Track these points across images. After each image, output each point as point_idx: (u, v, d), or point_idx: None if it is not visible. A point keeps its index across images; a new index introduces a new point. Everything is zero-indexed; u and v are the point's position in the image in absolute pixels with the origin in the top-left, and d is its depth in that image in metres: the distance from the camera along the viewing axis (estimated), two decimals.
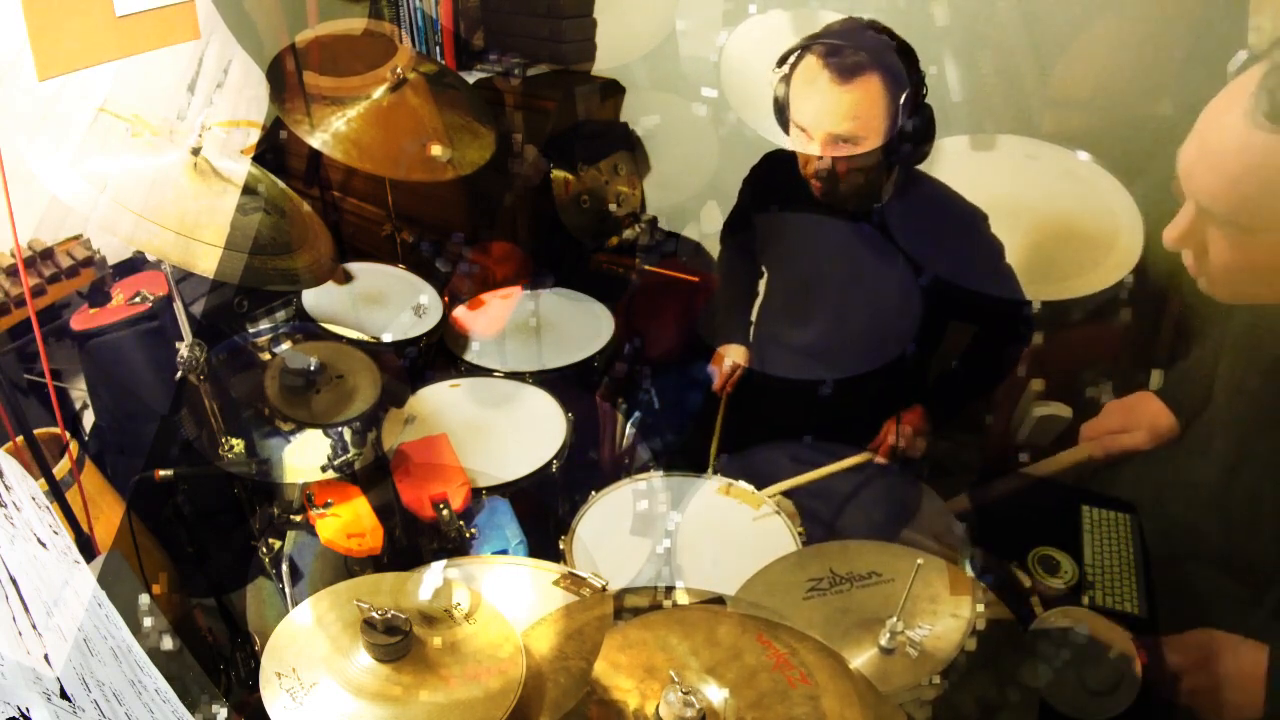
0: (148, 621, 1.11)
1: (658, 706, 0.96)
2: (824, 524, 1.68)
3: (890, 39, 1.51)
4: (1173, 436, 1.51)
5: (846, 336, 1.79)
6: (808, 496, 1.70)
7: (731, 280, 2.07)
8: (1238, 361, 1.36)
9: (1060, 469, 1.67)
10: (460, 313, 2.28)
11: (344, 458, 1.61)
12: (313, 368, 1.62)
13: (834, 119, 1.50)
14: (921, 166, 1.68)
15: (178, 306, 1.46)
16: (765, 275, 1.98)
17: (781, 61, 1.58)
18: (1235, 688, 1.20)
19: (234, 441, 1.55)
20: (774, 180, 1.86)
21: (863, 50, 1.46)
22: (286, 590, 1.52)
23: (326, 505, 1.53)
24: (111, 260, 2.23)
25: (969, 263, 1.67)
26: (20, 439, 1.35)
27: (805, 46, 1.53)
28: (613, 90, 2.77)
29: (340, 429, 1.62)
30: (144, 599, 1.17)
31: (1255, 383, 1.30)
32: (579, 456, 1.88)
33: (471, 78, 2.74)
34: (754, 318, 2.04)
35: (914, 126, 1.51)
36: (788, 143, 1.67)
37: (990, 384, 1.86)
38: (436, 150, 2.06)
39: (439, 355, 2.16)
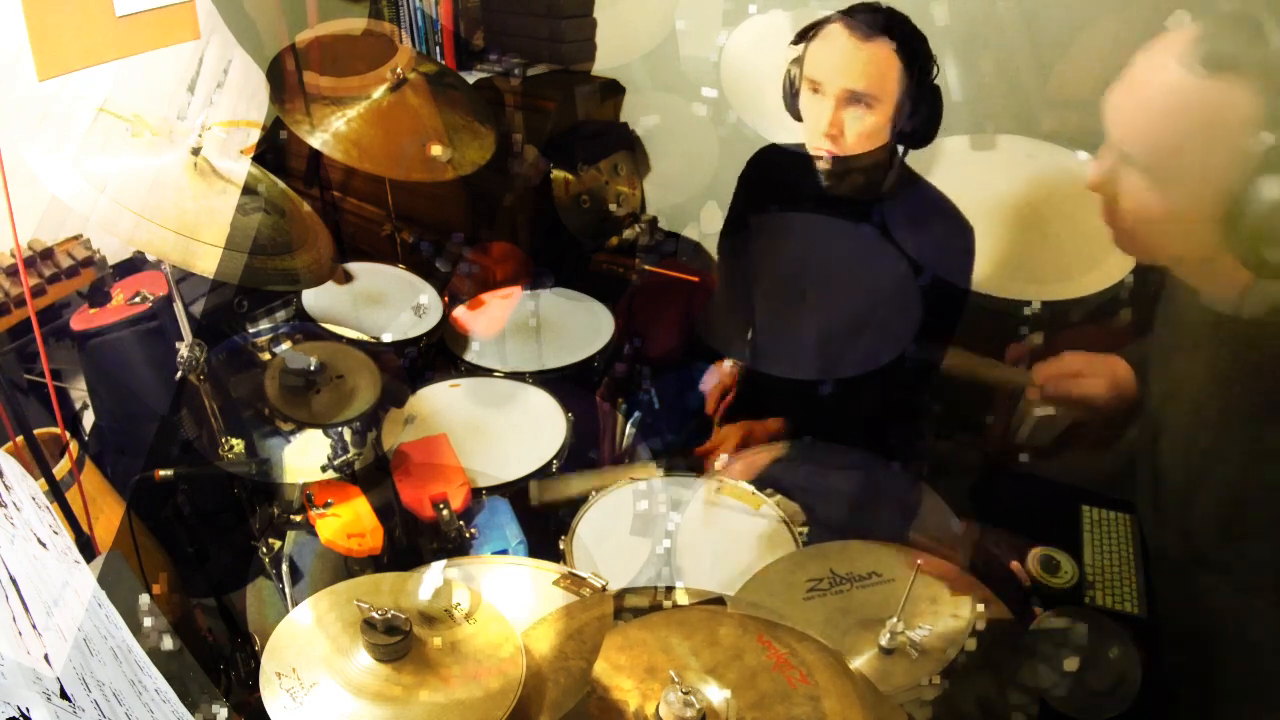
0: (148, 621, 1.11)
1: (658, 707, 0.96)
2: (824, 524, 1.68)
3: (908, 21, 1.54)
4: (1132, 398, 1.45)
5: (839, 336, 1.78)
6: (808, 497, 1.70)
7: (729, 284, 2.07)
8: (1226, 358, 1.35)
9: (985, 374, 1.63)
10: (460, 313, 2.28)
11: (344, 458, 1.61)
12: (313, 368, 1.62)
13: (850, 75, 1.50)
14: (923, 167, 1.68)
15: (178, 306, 1.46)
16: (760, 275, 1.98)
17: (799, 38, 1.59)
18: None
19: (234, 441, 1.55)
20: (766, 178, 1.86)
21: (885, 20, 1.51)
22: (286, 590, 1.52)
23: (326, 505, 1.53)
24: (111, 260, 2.23)
25: (946, 270, 1.66)
26: (20, 439, 1.35)
27: (825, 19, 1.56)
28: (613, 90, 2.77)
29: (340, 429, 1.62)
30: (144, 599, 1.17)
31: (1243, 380, 1.29)
32: (579, 456, 1.88)
33: (471, 78, 2.74)
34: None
35: (923, 104, 1.53)
36: (790, 136, 1.67)
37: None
38: (436, 150, 2.05)
39: (439, 355, 2.16)
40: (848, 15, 1.52)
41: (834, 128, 1.55)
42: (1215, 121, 0.99)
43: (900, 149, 1.66)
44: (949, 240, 1.67)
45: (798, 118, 1.64)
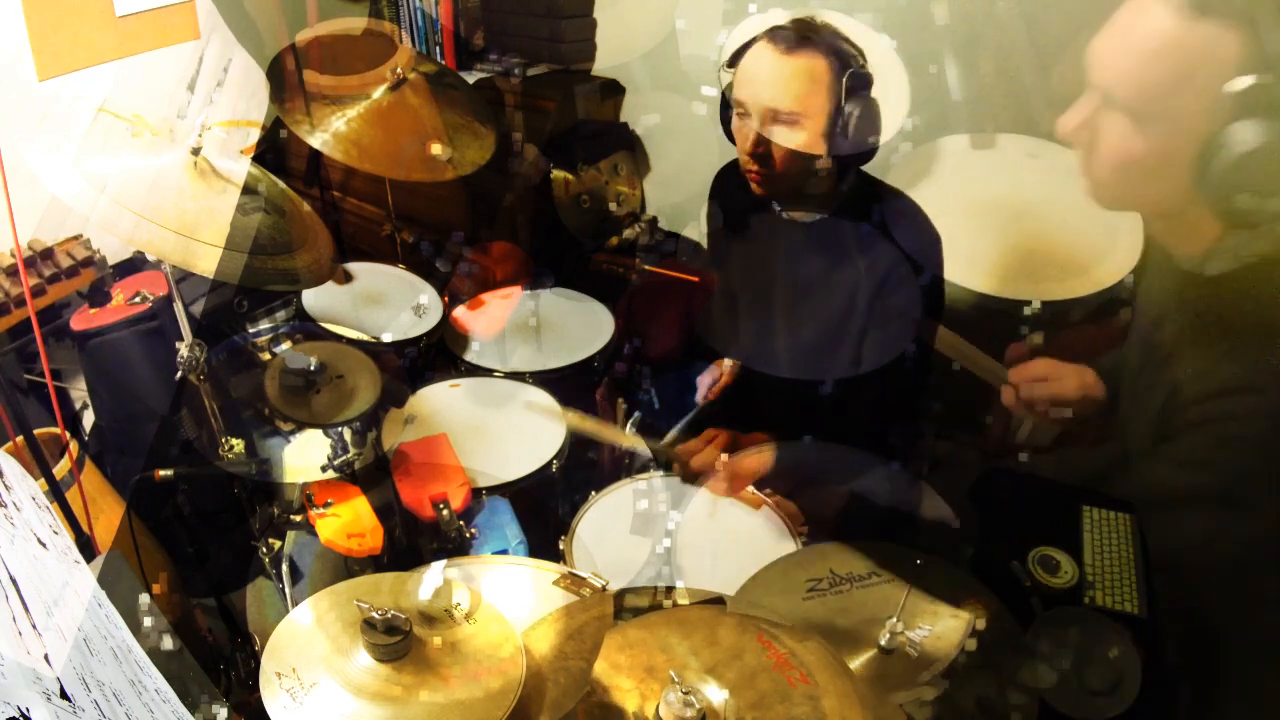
0: (148, 621, 1.11)
1: (658, 707, 0.96)
2: (824, 524, 1.68)
3: (839, 33, 1.49)
4: (1099, 399, 1.46)
5: (818, 343, 1.76)
6: (808, 497, 1.70)
7: (722, 287, 2.08)
8: (1222, 365, 1.35)
9: (970, 359, 1.61)
10: (460, 313, 2.28)
11: (344, 458, 1.61)
12: (313, 368, 1.62)
13: (773, 91, 1.46)
14: (923, 166, 1.67)
15: (178, 306, 1.46)
16: (739, 284, 1.97)
17: (731, 62, 1.55)
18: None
19: (234, 441, 1.55)
20: (730, 188, 1.84)
21: (810, 32, 1.46)
22: (286, 590, 1.52)
23: (326, 505, 1.53)
24: (111, 260, 2.23)
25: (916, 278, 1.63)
26: (20, 439, 1.35)
27: (752, 39, 1.52)
28: (613, 90, 2.77)
29: (340, 429, 1.62)
30: (144, 599, 1.17)
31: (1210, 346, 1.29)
32: (579, 456, 1.88)
33: (471, 78, 2.74)
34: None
35: (858, 118, 1.46)
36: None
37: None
38: (436, 150, 2.05)
39: (439, 355, 2.16)
40: (774, 30, 1.47)
41: (758, 147, 1.50)
42: (1198, 64, 1.02)
43: (842, 164, 1.59)
44: (916, 247, 1.63)
45: (732, 141, 1.61)
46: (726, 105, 1.58)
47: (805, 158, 1.50)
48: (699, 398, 1.94)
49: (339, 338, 2.00)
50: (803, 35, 1.44)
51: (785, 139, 1.47)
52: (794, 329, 1.79)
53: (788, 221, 1.69)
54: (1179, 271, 1.25)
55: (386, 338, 2.06)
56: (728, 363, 1.98)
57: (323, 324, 2.05)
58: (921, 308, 1.62)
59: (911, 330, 1.64)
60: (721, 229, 1.94)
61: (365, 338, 2.04)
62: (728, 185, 1.85)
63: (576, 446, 1.86)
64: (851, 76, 1.45)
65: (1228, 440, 1.21)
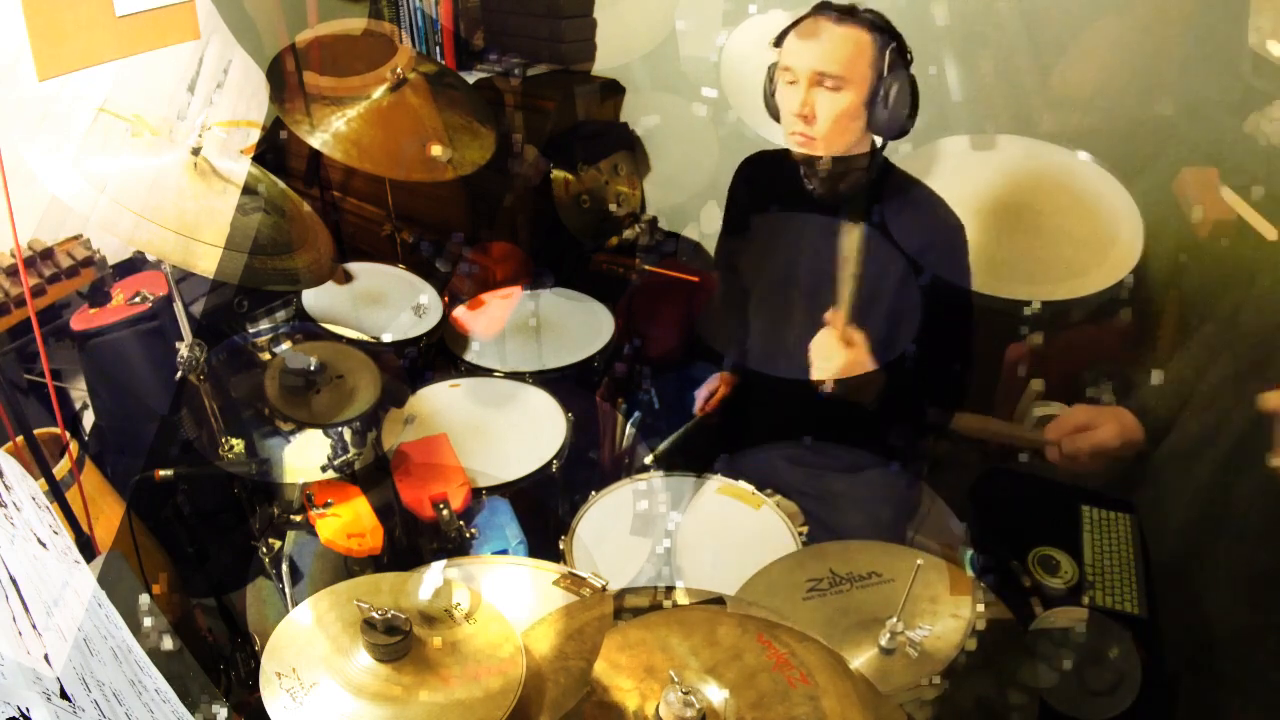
0: (148, 621, 1.11)
1: (658, 706, 0.96)
2: (824, 524, 1.68)
3: (883, 15, 1.57)
4: (1139, 442, 1.48)
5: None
6: (807, 497, 1.70)
7: (727, 288, 2.07)
8: (1235, 362, 1.36)
9: (1000, 433, 1.65)
10: (460, 313, 2.28)
11: (344, 458, 1.61)
12: (313, 368, 1.62)
13: (820, 57, 1.53)
14: (924, 166, 1.67)
15: (178, 306, 1.46)
16: (754, 280, 1.98)
17: (778, 41, 1.61)
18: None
19: (234, 441, 1.55)
20: (754, 181, 1.86)
21: (858, 11, 1.54)
22: (286, 590, 1.52)
23: (326, 505, 1.53)
24: (111, 260, 2.23)
25: (941, 268, 1.65)
26: (20, 439, 1.35)
27: (801, 16, 1.59)
28: (613, 90, 2.77)
29: (340, 429, 1.62)
30: (144, 599, 1.18)
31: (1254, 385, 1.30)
32: (579, 456, 1.88)
33: (471, 78, 2.74)
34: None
35: (897, 90, 1.54)
36: (778, 137, 1.67)
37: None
38: (436, 150, 2.05)
39: (439, 355, 2.16)
40: (821, 6, 1.57)
41: (805, 107, 1.56)
42: None
43: (879, 142, 1.66)
44: (939, 237, 1.66)
45: (776, 117, 1.66)
46: (771, 81, 1.65)
47: (846, 122, 1.57)
48: (696, 409, 1.95)
49: (339, 338, 2.00)
50: (849, 11, 1.54)
51: (829, 102, 1.55)
52: (814, 319, 1.79)
53: (814, 203, 1.71)
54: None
55: (386, 338, 2.05)
56: (726, 375, 1.98)
57: (323, 324, 2.05)
58: (949, 297, 1.64)
59: (919, 322, 1.65)
60: (739, 221, 1.94)
61: (365, 338, 2.04)
62: (751, 182, 1.87)
63: (576, 446, 1.86)
64: (894, 51, 1.54)
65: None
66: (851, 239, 1.64)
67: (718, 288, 2.13)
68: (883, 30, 1.54)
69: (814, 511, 1.68)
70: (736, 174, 1.91)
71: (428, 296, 2.25)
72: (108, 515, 1.70)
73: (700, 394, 1.98)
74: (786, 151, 1.70)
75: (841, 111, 1.55)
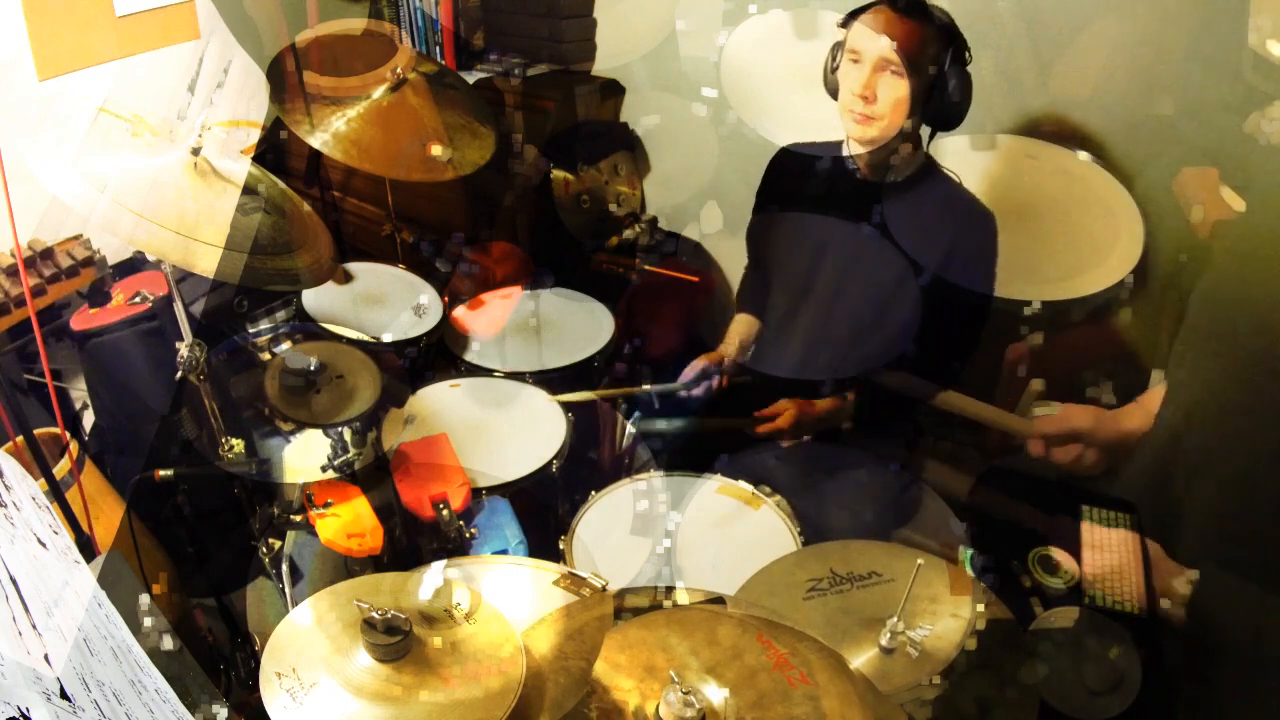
0: (148, 621, 1.10)
1: (658, 706, 0.96)
2: (811, 523, 1.68)
3: (948, 14, 1.66)
4: (1129, 447, 1.50)
5: (840, 337, 1.80)
6: (796, 496, 1.70)
7: (749, 281, 2.11)
8: (1237, 362, 1.35)
9: (987, 417, 1.68)
10: (460, 313, 2.28)
11: (344, 458, 1.60)
12: (313, 368, 1.62)
13: (890, 44, 1.62)
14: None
15: (178, 306, 1.46)
16: (775, 274, 1.99)
17: (845, 22, 1.69)
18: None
19: (234, 441, 1.54)
20: (778, 179, 1.91)
21: (919, 4, 1.64)
22: (286, 590, 1.52)
23: (326, 505, 1.53)
24: (111, 260, 2.23)
25: (968, 264, 1.70)
26: (20, 439, 1.35)
27: (871, 3, 1.68)
28: (613, 90, 2.77)
29: (340, 429, 1.61)
30: (144, 599, 1.17)
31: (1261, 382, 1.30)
32: (579, 456, 1.88)
33: (471, 78, 2.74)
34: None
35: (954, 84, 1.63)
36: (792, 135, 1.73)
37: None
38: (436, 150, 2.05)
39: (439, 355, 2.16)
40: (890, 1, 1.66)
41: (867, 89, 1.64)
42: None
43: (924, 135, 1.73)
44: (970, 234, 1.73)
45: (833, 93, 1.74)
46: (834, 59, 1.73)
47: (902, 108, 1.65)
48: (683, 380, 1.96)
49: (339, 338, 2.00)
50: (916, 4, 1.64)
51: (891, 87, 1.63)
52: (836, 314, 1.83)
53: (846, 202, 1.77)
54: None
55: (386, 338, 2.05)
56: (725, 357, 1.98)
57: (323, 324, 2.05)
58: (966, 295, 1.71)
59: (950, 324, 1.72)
60: (765, 213, 1.97)
61: (365, 338, 2.04)
62: (781, 175, 1.94)
63: (576, 446, 1.86)
64: (955, 49, 1.63)
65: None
66: (870, 245, 1.68)
67: (741, 283, 2.16)
68: (945, 27, 1.64)
69: (801, 510, 1.68)
70: (767, 169, 1.96)
71: (428, 296, 2.25)
72: (108, 515, 1.70)
73: (695, 366, 1.97)
74: (826, 147, 1.80)
75: (900, 98, 1.63)
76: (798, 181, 1.85)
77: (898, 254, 1.71)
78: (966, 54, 1.65)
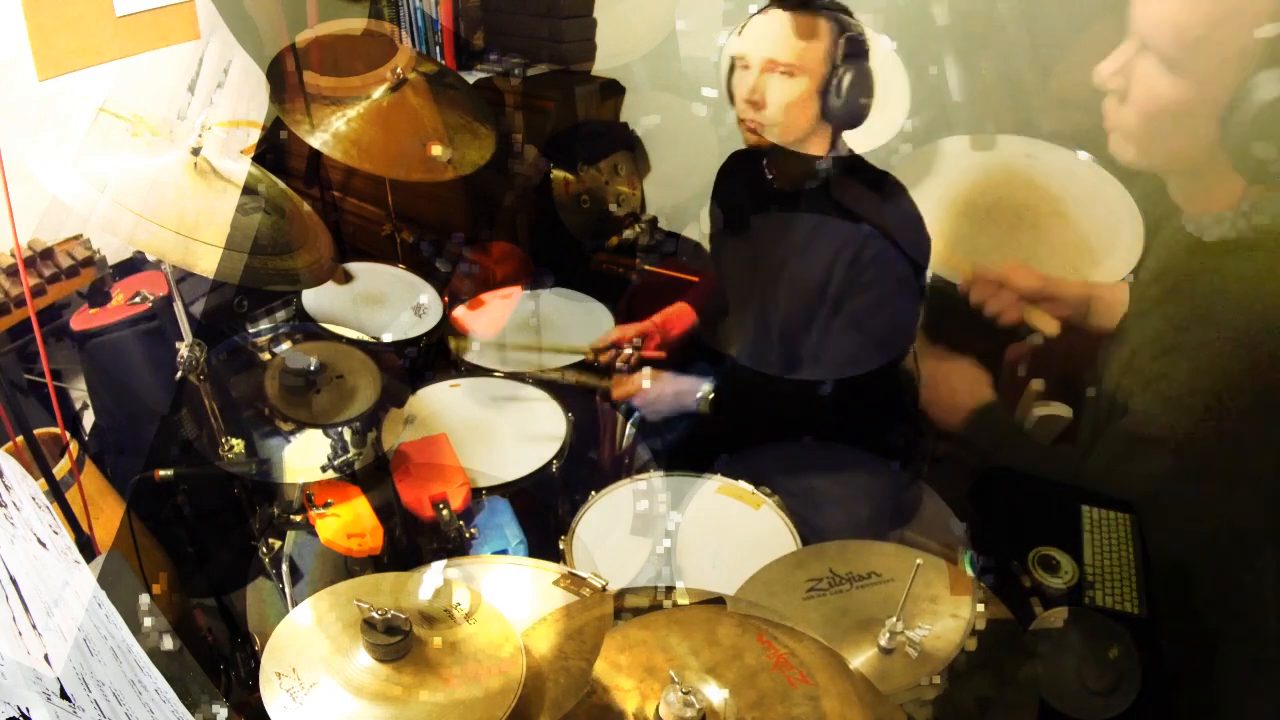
0: (148, 621, 1.10)
1: (658, 706, 0.96)
2: (806, 522, 1.68)
3: (842, 6, 1.59)
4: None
5: (803, 332, 1.79)
6: (790, 495, 1.70)
7: (721, 289, 2.10)
8: (1232, 374, 1.35)
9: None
10: (460, 313, 2.28)
11: (344, 458, 1.60)
12: (313, 368, 1.62)
13: (773, 43, 1.55)
14: (924, 167, 1.68)
15: (178, 306, 1.46)
16: (731, 276, 1.99)
17: (742, 29, 1.62)
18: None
19: (234, 441, 1.55)
20: (729, 179, 1.90)
21: (814, 2, 1.56)
22: (286, 590, 1.52)
23: (326, 505, 1.53)
24: (111, 260, 2.23)
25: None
26: (20, 439, 1.35)
27: (760, 9, 1.61)
28: (613, 90, 2.77)
29: (340, 429, 1.62)
30: (144, 599, 1.17)
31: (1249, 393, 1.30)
32: (579, 456, 1.88)
33: (471, 78, 2.74)
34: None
35: (851, 79, 1.54)
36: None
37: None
38: (436, 150, 2.05)
39: (439, 355, 2.16)
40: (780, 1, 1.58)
41: (755, 93, 1.57)
42: (1233, 9, 1.06)
43: (834, 129, 1.66)
44: (897, 227, 1.66)
45: (732, 101, 1.67)
46: (731, 68, 1.66)
47: (797, 109, 1.57)
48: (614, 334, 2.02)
49: (339, 338, 2.00)
50: (806, 2, 1.56)
51: (781, 89, 1.56)
52: (777, 315, 1.81)
53: (775, 198, 1.73)
54: (1180, 236, 1.30)
55: (386, 338, 2.05)
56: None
57: (323, 324, 2.05)
58: (898, 283, 1.66)
59: (890, 308, 1.67)
60: (721, 228, 1.95)
61: (365, 338, 2.04)
62: (728, 179, 1.90)
63: (576, 446, 1.86)
64: (849, 40, 1.54)
65: (1165, 399, 1.26)
66: (808, 231, 1.65)
67: (716, 289, 2.15)
68: (838, 19, 1.54)
69: (796, 509, 1.68)
70: (718, 173, 1.94)
71: (428, 296, 2.25)
72: (108, 515, 1.70)
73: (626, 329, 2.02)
74: (759, 148, 1.72)
75: (792, 99, 1.55)
76: (741, 179, 1.83)
77: (822, 259, 1.67)
78: (864, 45, 1.56)
